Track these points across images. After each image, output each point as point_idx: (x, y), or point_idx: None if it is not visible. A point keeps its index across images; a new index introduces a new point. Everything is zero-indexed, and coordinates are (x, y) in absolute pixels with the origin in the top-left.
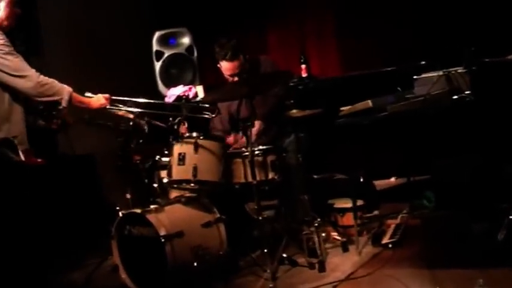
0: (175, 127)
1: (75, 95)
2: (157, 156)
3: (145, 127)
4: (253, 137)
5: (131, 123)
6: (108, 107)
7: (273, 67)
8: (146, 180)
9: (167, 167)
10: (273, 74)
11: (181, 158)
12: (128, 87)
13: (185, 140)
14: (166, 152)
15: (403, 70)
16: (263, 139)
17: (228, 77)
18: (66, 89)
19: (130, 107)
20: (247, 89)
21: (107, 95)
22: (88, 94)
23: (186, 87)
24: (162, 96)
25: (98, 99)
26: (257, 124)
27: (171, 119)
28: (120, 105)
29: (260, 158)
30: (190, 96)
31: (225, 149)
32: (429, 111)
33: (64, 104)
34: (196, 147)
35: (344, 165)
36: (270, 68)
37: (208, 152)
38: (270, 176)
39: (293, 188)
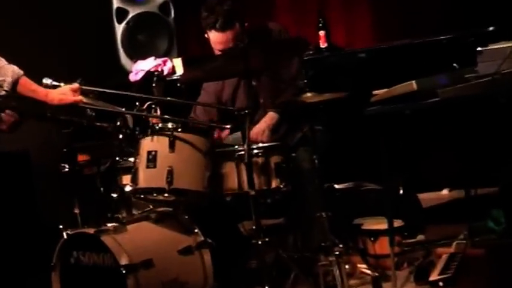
0: (144, 117)
1: (26, 80)
2: (118, 157)
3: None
4: (262, 135)
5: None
6: (84, 101)
7: (283, 35)
8: (102, 189)
9: (131, 170)
10: (280, 43)
11: (152, 158)
12: (77, 61)
13: (157, 133)
14: (130, 150)
15: (461, 39)
16: (270, 137)
17: (218, 52)
18: (13, 70)
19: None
20: (246, 65)
21: (74, 86)
22: (47, 81)
23: (159, 60)
24: (126, 72)
25: (61, 92)
26: (269, 118)
27: (137, 103)
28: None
29: (260, 160)
30: (165, 72)
31: (213, 146)
32: (499, 97)
33: (6, 87)
34: (173, 143)
35: (376, 171)
36: (278, 36)
37: (189, 150)
38: (274, 184)
39: (306, 201)
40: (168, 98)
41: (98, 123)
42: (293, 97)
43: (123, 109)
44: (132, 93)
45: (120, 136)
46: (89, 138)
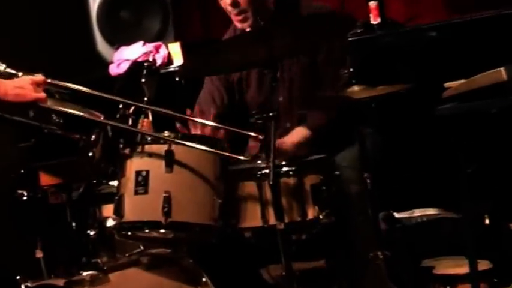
0: (130, 122)
1: None
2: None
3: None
4: (287, 146)
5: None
6: (48, 104)
7: (320, 9)
8: (74, 224)
9: (114, 197)
10: (316, 19)
11: (142, 181)
12: (36, 46)
13: (149, 146)
14: (112, 170)
15: None
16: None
17: (233, 16)
18: None
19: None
20: (269, 50)
21: (38, 77)
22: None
23: (150, 46)
24: (104, 63)
25: (18, 85)
26: (300, 132)
27: (120, 106)
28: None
29: (292, 180)
30: (158, 62)
31: (226, 163)
32: None
33: None
34: (171, 160)
35: (452, 194)
36: (313, 10)
37: (193, 170)
38: (311, 214)
39: (355, 236)
40: (158, 109)
41: (67, 134)
42: (334, 93)
43: (101, 116)
44: (110, 96)
45: (98, 151)
46: (56, 154)
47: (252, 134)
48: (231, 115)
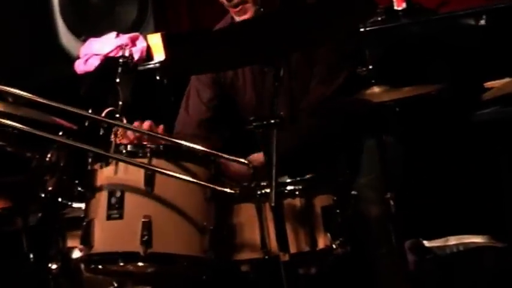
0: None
1: None
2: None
3: None
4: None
5: None
6: None
7: None
8: (31, 256)
9: (81, 223)
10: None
11: (116, 203)
12: None
13: (124, 159)
14: (79, 189)
15: None
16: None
17: (229, 9)
18: None
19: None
20: (272, 44)
21: None
22: None
23: (125, 38)
24: (68, 59)
25: None
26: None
27: (90, 111)
28: None
29: (299, 202)
30: (135, 56)
31: (217, 178)
32: None
33: None
34: (151, 177)
35: (495, 217)
36: None
37: (178, 189)
38: (322, 242)
39: (376, 271)
40: (130, 126)
41: (18, 151)
42: (348, 95)
43: (72, 125)
44: (67, 106)
45: (52, 181)
46: (6, 170)
47: (242, 160)
48: (222, 121)
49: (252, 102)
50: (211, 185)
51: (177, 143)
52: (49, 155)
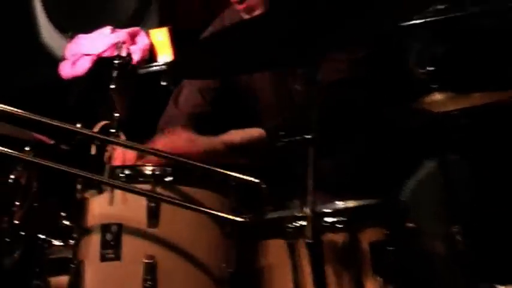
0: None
1: None
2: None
3: None
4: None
5: None
6: None
7: None
8: None
9: (70, 266)
10: None
11: (112, 240)
12: None
13: (123, 186)
14: (65, 223)
15: None
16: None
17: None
18: None
19: None
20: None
21: None
22: None
23: (123, 34)
24: (52, 60)
25: None
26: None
27: (79, 126)
28: None
29: (341, 238)
30: (135, 57)
31: (239, 210)
32: None
33: None
34: (156, 208)
35: None
36: None
37: (188, 224)
38: None
39: None
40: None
41: None
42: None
43: (50, 141)
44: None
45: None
46: None
47: (254, 179)
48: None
49: (272, 107)
50: (220, 214)
51: (190, 164)
52: (13, 176)
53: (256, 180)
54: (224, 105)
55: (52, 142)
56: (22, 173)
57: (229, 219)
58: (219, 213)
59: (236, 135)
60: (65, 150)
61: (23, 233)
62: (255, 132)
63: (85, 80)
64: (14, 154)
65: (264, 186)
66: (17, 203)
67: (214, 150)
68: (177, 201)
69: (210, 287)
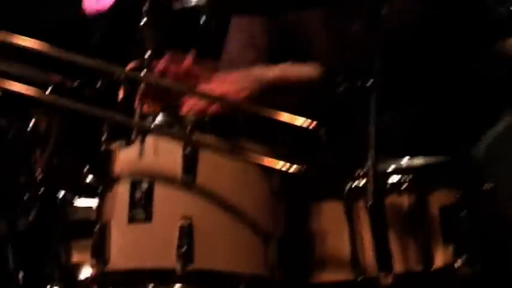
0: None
1: None
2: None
3: None
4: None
5: None
6: None
7: None
8: (21, 275)
9: (91, 229)
10: None
11: (142, 199)
12: None
13: (154, 137)
14: (88, 179)
15: None
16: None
17: None
18: None
19: None
20: None
21: None
22: None
23: None
24: None
25: None
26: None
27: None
28: None
29: (406, 200)
30: None
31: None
32: None
33: None
34: (192, 160)
35: None
36: None
37: (230, 178)
38: (440, 259)
39: None
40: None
41: None
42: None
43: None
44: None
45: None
46: None
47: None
48: None
49: (326, 52)
50: (270, 160)
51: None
52: (33, 122)
53: (313, 122)
54: (276, 53)
55: (75, 83)
56: (42, 118)
57: (279, 169)
58: (268, 162)
59: (292, 70)
60: (90, 93)
61: (43, 189)
62: (313, 70)
63: (111, 16)
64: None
65: (322, 129)
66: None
67: (267, 83)
68: (218, 147)
69: (255, 253)
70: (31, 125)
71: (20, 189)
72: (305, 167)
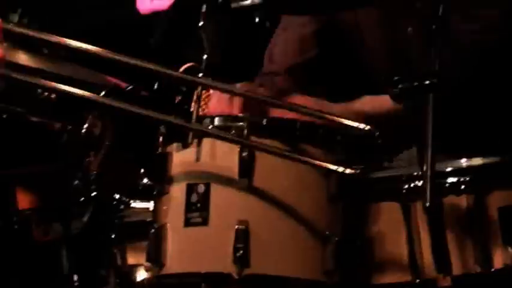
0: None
1: None
2: (116, 195)
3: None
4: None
5: None
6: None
7: None
8: (76, 277)
9: (149, 232)
10: None
11: (199, 202)
12: None
13: (211, 140)
14: (144, 182)
15: None
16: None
17: None
18: None
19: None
20: None
21: None
22: None
23: None
24: None
25: None
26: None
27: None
28: None
29: (465, 201)
30: None
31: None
32: None
33: None
34: (249, 164)
35: None
36: None
37: (287, 182)
38: (500, 260)
39: None
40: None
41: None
42: None
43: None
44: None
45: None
46: (32, 155)
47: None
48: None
49: (380, 51)
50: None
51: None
52: (87, 125)
53: (367, 127)
54: (326, 51)
55: (130, 87)
56: (96, 122)
57: (336, 171)
58: (325, 164)
59: (367, 104)
60: (146, 96)
61: (96, 192)
62: (389, 101)
63: (168, 16)
64: (87, 96)
65: (377, 133)
66: (91, 157)
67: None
68: (275, 150)
69: (313, 258)
70: (85, 128)
71: (74, 192)
72: (361, 169)
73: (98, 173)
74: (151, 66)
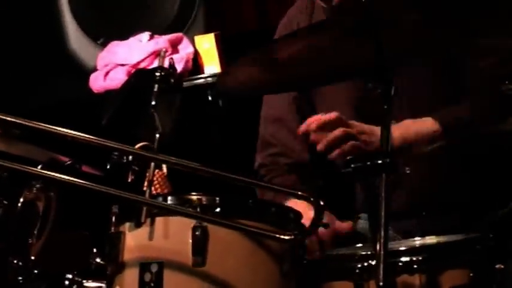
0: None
1: None
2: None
3: None
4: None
5: None
6: None
7: None
8: None
9: None
10: None
11: (152, 282)
12: None
13: (163, 218)
14: (97, 261)
15: None
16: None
17: None
18: None
19: None
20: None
21: None
22: None
23: (163, 40)
24: (82, 71)
25: None
26: (422, 124)
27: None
28: None
29: (417, 280)
30: (178, 68)
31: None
32: None
33: None
34: (202, 243)
35: None
36: None
37: (240, 260)
38: None
39: None
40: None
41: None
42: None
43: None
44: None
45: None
46: None
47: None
48: None
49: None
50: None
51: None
52: (25, 197)
53: (305, 194)
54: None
55: (69, 161)
56: (39, 195)
57: (275, 237)
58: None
59: (410, 129)
60: (98, 176)
61: (37, 271)
62: (433, 124)
63: (120, 95)
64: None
65: (317, 200)
66: (34, 233)
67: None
68: (228, 224)
69: None
70: (20, 202)
71: (16, 271)
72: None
73: (42, 252)
74: (107, 143)
